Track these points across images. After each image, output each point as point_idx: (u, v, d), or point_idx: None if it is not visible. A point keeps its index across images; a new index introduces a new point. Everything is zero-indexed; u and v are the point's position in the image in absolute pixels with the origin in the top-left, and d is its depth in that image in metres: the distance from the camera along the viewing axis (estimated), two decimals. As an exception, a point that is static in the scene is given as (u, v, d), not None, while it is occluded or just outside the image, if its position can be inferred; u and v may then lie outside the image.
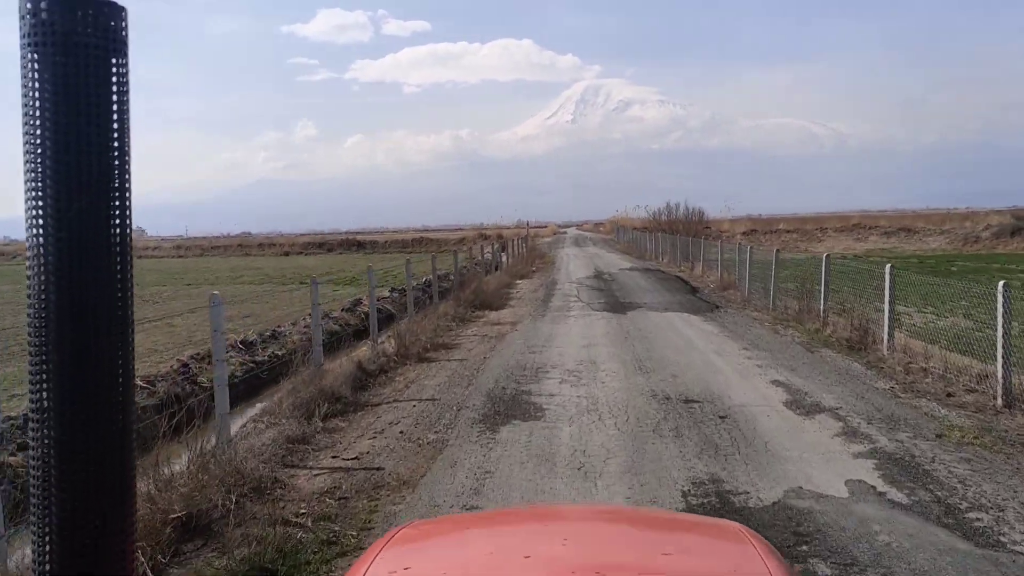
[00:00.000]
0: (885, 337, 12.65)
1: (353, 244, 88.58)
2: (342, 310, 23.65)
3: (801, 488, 6.33)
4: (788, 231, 71.38)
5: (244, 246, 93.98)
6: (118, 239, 0.99)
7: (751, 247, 22.81)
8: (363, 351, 14.44)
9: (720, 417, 8.68)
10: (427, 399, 10.50)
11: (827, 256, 16.48)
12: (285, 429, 8.84)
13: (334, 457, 8.09)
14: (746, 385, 10.37)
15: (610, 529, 2.36)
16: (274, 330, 19.20)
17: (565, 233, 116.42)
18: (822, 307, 15.83)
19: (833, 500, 6.05)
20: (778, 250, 20.28)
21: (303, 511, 6.44)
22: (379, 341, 14.68)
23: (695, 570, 1.91)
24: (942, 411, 8.89)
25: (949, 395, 9.73)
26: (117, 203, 0.99)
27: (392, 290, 29.29)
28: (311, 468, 7.77)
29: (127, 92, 1.00)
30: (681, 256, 37.08)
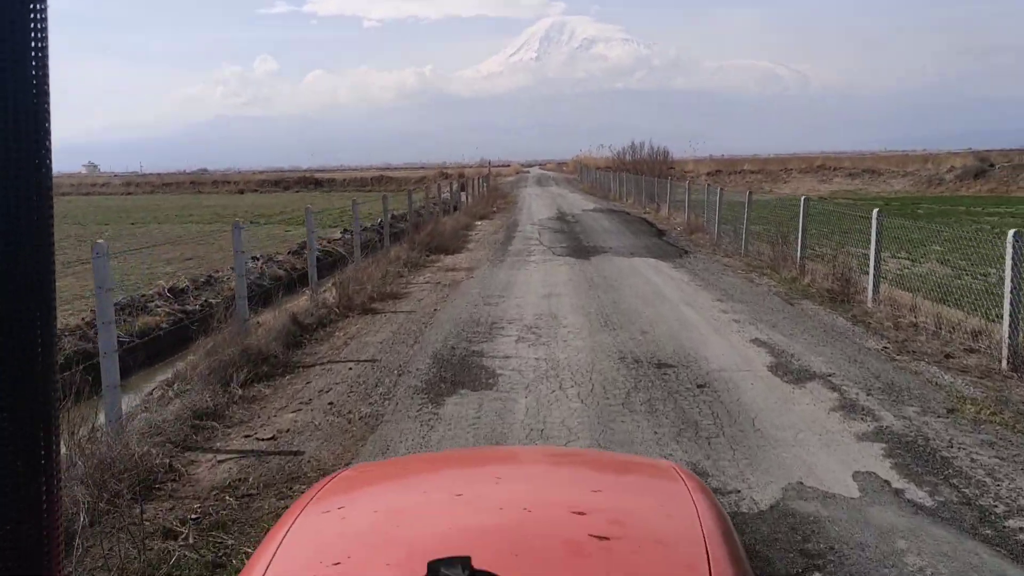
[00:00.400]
0: (870, 288, 11.62)
1: (311, 182, 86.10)
2: (289, 253, 22.21)
3: (802, 484, 5.23)
4: (753, 172, 70.50)
5: (197, 183, 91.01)
6: (36, 184, 0.85)
7: (721, 189, 21.67)
8: (302, 301, 13.14)
9: (698, 386, 7.55)
10: (366, 360, 9.26)
11: (805, 199, 15.37)
12: (194, 400, 7.56)
13: (247, 436, 6.85)
14: (724, 344, 9.26)
15: (544, 469, 2.41)
16: (210, 275, 17.75)
17: (528, 173, 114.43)
18: (799, 254, 14.77)
19: (843, 502, 4.96)
20: (751, 192, 19.14)
21: (194, 515, 5.22)
22: (320, 290, 13.35)
23: (622, 506, 1.93)
24: (946, 377, 7.85)
25: (948, 356, 8.71)
26: (35, 140, 0.86)
27: (345, 231, 27.85)
28: (217, 452, 6.53)
29: (45, 10, 0.87)
30: (646, 197, 35.90)
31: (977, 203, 42.49)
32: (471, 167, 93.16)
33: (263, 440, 6.73)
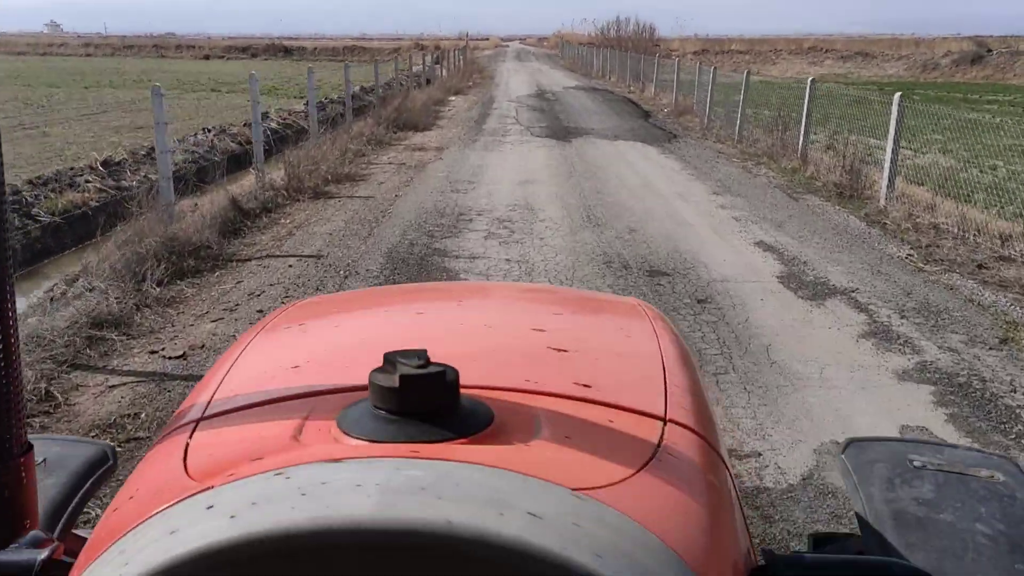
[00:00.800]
0: (884, 183, 10.37)
1: (280, 50, 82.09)
2: (245, 124, 20.45)
3: (839, 445, 4.11)
4: (740, 52, 67.91)
5: (161, 47, 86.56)
6: None
7: (714, 68, 20.01)
8: (248, 182, 11.68)
9: (698, 301, 6.36)
10: (310, 255, 7.96)
11: (812, 81, 13.88)
12: (96, 302, 6.27)
13: (152, 352, 5.61)
14: (725, 248, 8.04)
15: (507, 296, 2.43)
16: (152, 147, 16.08)
17: (508, 47, 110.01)
18: (801, 143, 13.41)
19: (896, 475, 3.84)
20: (748, 72, 17.56)
21: (55, 471, 4.03)
22: (270, 170, 11.88)
23: (582, 326, 1.92)
24: (986, 295, 6.71)
25: (981, 267, 7.57)
26: None
27: (308, 103, 25.99)
28: (111, 372, 5.29)
29: None
30: (631, 76, 33.95)
31: (974, 90, 40.88)
32: (450, 39, 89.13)
33: (170, 359, 5.49)
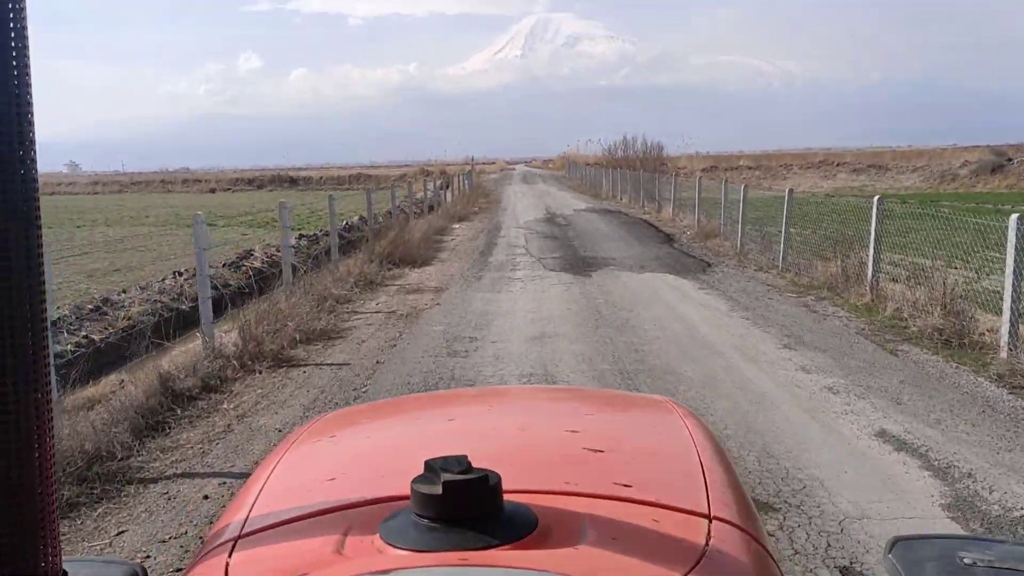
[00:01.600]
0: (1005, 330, 7.99)
1: (285, 180, 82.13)
2: (224, 265, 18.41)
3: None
4: (750, 168, 67.04)
5: (167, 182, 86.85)
6: (21, 179, 0.85)
7: (745, 186, 18.02)
8: (194, 347, 9.39)
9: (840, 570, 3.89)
10: (242, 473, 5.56)
11: (879, 199, 11.72)
12: None
13: None
14: (835, 444, 5.58)
15: (536, 400, 2.44)
16: (107, 297, 13.92)
17: (513, 170, 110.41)
18: (871, 273, 11.13)
19: None
20: (791, 190, 15.51)
21: None
22: (215, 335, 9.64)
23: (616, 426, 1.92)
24: None
25: None
26: (18, 136, 0.85)
27: (301, 236, 24.16)
28: None
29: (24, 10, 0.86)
30: (645, 196, 32.25)
31: (1001, 199, 39.09)
32: (455, 164, 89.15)
33: None
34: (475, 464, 1.08)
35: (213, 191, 79.71)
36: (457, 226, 25.88)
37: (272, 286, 15.77)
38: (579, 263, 15.54)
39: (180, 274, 16.28)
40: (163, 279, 15.80)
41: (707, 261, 15.76)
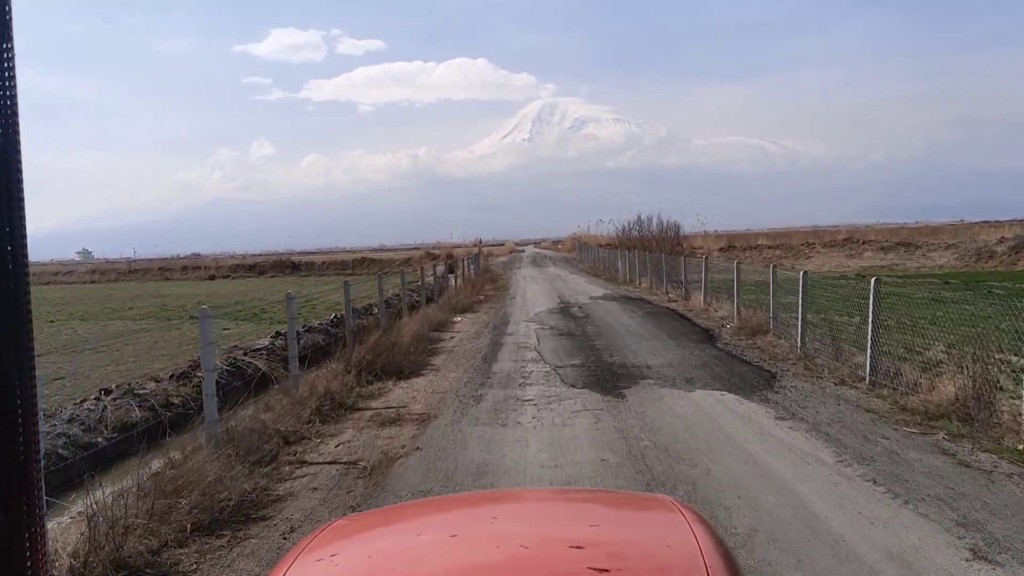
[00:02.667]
0: None
1: (287, 266, 79.61)
2: (172, 377, 15.21)
3: None
4: (770, 247, 64.14)
5: (166, 269, 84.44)
6: (10, 263, 0.89)
7: (805, 273, 14.82)
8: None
9: None
10: None
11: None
12: None
13: None
14: None
15: (540, 507, 2.36)
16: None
17: (523, 251, 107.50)
18: (1028, 399, 7.84)
19: None
20: (877, 279, 12.30)
21: None
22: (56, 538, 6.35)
23: (620, 538, 1.88)
24: None
25: None
26: (7, 221, 0.88)
27: (278, 335, 21.03)
28: None
29: (14, 85, 0.88)
30: (668, 281, 29.13)
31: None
32: (463, 247, 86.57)
33: None
34: None
35: (212, 278, 77.18)
36: (459, 319, 22.72)
37: (233, 400, 12.67)
38: (606, 374, 12.27)
39: (108, 392, 13.08)
40: (82, 400, 12.57)
41: (767, 370, 12.47)
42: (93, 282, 79.61)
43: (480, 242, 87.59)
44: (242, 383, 15.04)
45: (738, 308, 19.06)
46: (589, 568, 1.52)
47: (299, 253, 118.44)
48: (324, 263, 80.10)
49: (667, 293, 28.22)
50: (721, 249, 64.78)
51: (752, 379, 11.66)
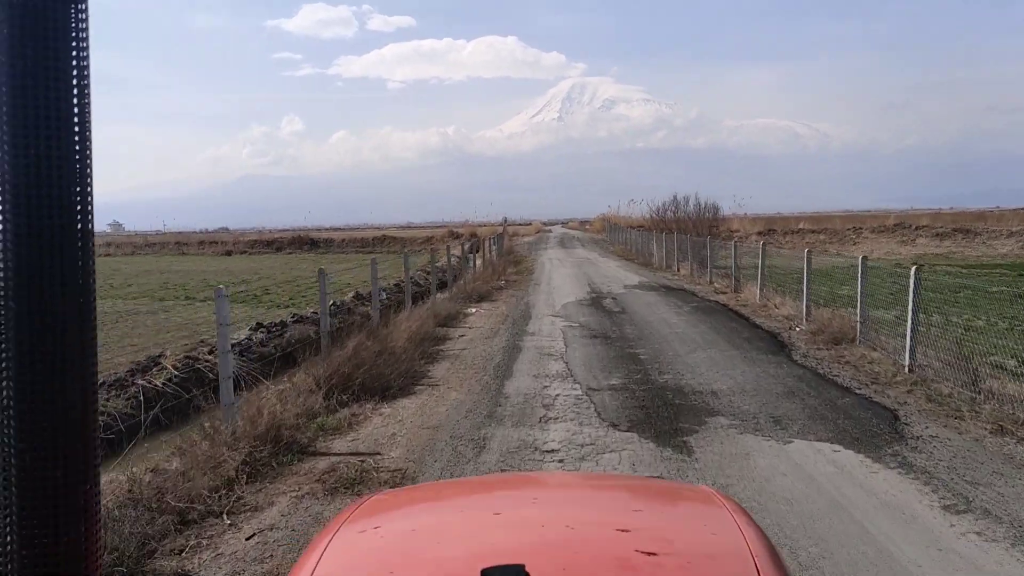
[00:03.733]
0: None
1: (305, 243, 76.79)
2: (108, 384, 12.12)
3: None
4: (813, 231, 60.22)
5: (182, 244, 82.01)
6: (80, 234, 0.92)
7: (917, 268, 11.39)
8: None
9: None
10: None
11: None
12: None
13: None
14: None
15: (582, 491, 2.32)
16: None
17: (550, 232, 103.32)
18: None
19: None
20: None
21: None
22: None
23: (666, 524, 1.88)
24: None
25: None
26: (79, 193, 0.91)
27: (259, 327, 18.05)
28: None
29: (87, 60, 0.90)
30: (713, 268, 25.70)
31: None
32: (488, 225, 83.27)
33: None
34: (533, 570, 1.11)
35: (229, 254, 74.59)
36: (473, 310, 19.50)
37: (181, 416, 10.05)
38: (659, 405, 8.96)
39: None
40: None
41: (880, 403, 9.10)
42: (108, 255, 77.27)
43: (506, 221, 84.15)
44: (200, 389, 11.90)
45: (806, 308, 15.68)
46: (637, 551, 1.51)
47: (322, 229, 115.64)
48: (344, 240, 77.21)
49: (712, 283, 24.80)
50: (759, 233, 60.98)
51: (865, 419, 8.31)
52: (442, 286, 24.28)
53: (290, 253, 72.32)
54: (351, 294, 24.12)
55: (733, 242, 23.36)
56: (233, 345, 15.63)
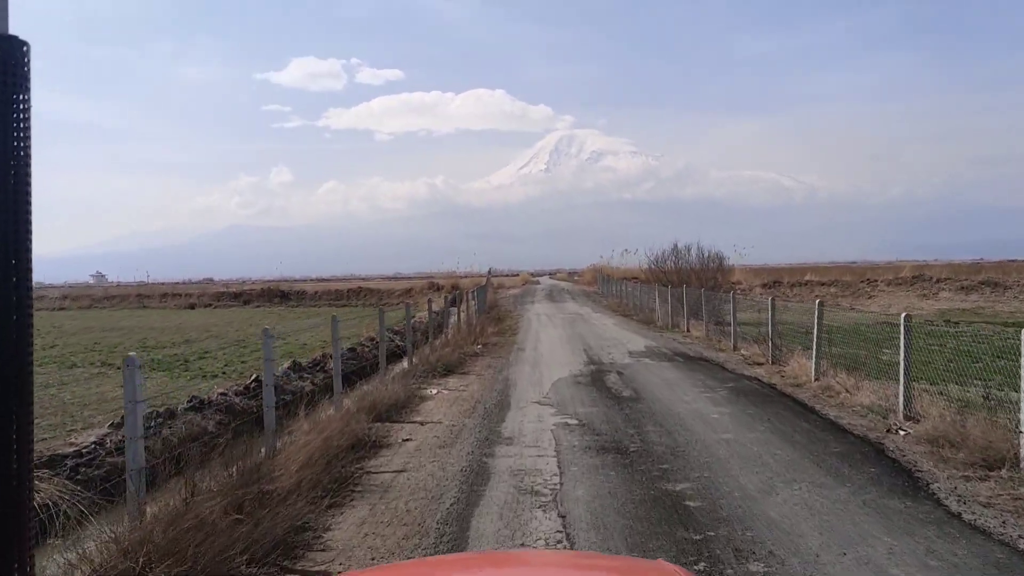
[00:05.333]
0: None
1: (276, 295, 71.65)
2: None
3: None
4: (822, 284, 55.67)
5: (144, 296, 76.76)
6: (14, 297, 0.89)
7: None
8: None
9: None
10: None
11: None
12: None
13: None
14: None
15: (541, 571, 2.31)
16: None
17: (538, 283, 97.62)
18: None
19: None
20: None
21: None
22: None
23: None
24: None
25: None
26: (14, 254, 0.89)
27: (118, 426, 12.70)
28: None
29: (28, 130, 0.94)
30: (734, 329, 20.89)
31: None
32: (472, 276, 78.29)
33: None
34: None
35: (192, 307, 69.38)
36: (435, 391, 14.57)
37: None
38: None
39: None
40: None
41: None
42: (62, 308, 71.90)
43: (491, 272, 79.43)
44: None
45: (906, 394, 10.84)
46: None
47: (296, 280, 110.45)
48: (316, 292, 72.10)
49: (738, 349, 19.98)
50: (764, 285, 56.45)
51: None
52: (394, 358, 19.40)
53: (258, 306, 67.23)
54: (287, 363, 19.17)
55: (770, 299, 18.49)
56: (64, 456, 10.62)
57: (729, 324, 21.23)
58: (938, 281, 48.77)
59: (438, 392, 14.53)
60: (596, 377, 15.66)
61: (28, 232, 0.88)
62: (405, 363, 17.96)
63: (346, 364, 15.61)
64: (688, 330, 26.46)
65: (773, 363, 16.89)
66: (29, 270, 0.88)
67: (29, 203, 0.88)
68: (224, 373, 21.77)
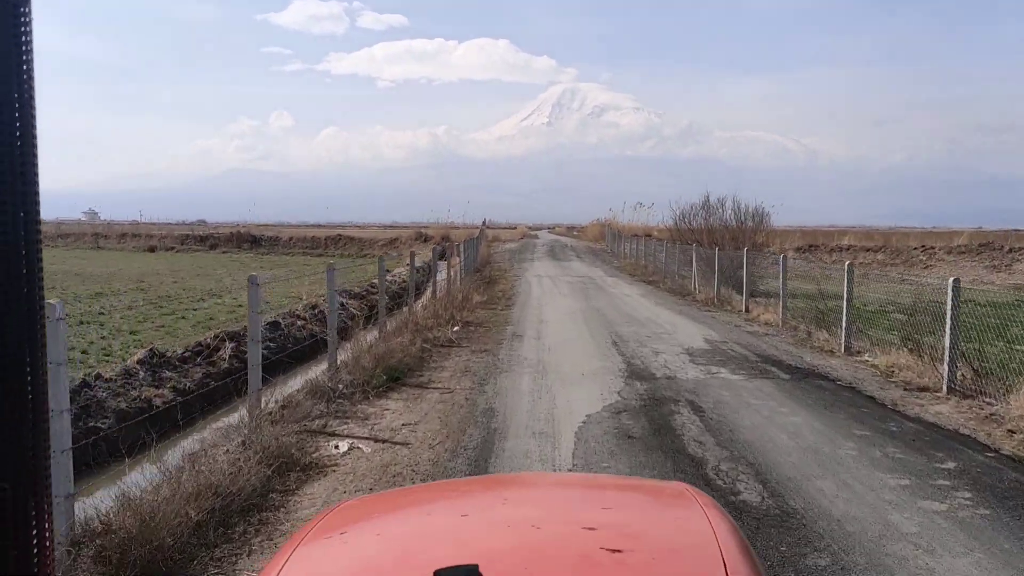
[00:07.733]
0: None
1: (246, 240, 64.32)
2: None
3: None
4: (867, 249, 48.46)
5: (101, 235, 69.43)
6: (23, 231, 0.86)
7: None
8: None
9: None
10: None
11: None
12: None
13: None
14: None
15: (551, 491, 2.28)
16: None
17: (536, 237, 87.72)
18: None
19: None
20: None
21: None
22: None
23: (633, 521, 1.82)
24: None
25: None
26: (21, 189, 0.85)
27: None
28: None
29: (32, 71, 0.86)
30: (845, 324, 13.74)
31: None
32: (466, 228, 70.58)
33: None
34: (487, 570, 1.07)
35: (152, 249, 62.13)
36: (338, 451, 7.40)
37: None
38: None
39: None
40: None
41: None
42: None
43: (485, 223, 72.13)
44: None
45: None
46: (602, 548, 1.48)
47: (262, 226, 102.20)
48: (291, 239, 64.72)
49: (848, 347, 12.86)
50: (798, 249, 49.33)
51: None
52: (345, 335, 12.40)
53: (224, 252, 60.01)
54: (141, 352, 11.97)
55: (954, 282, 11.18)
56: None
57: (770, 295, 15.67)
58: (1011, 251, 41.47)
59: (346, 451, 7.38)
60: (656, 417, 8.49)
61: (35, 174, 0.83)
62: (325, 365, 10.81)
63: (265, 350, 8.57)
64: (748, 309, 19.29)
65: (950, 392, 9.75)
66: (37, 211, 0.82)
67: (35, 143, 0.83)
68: (136, 336, 15.89)
